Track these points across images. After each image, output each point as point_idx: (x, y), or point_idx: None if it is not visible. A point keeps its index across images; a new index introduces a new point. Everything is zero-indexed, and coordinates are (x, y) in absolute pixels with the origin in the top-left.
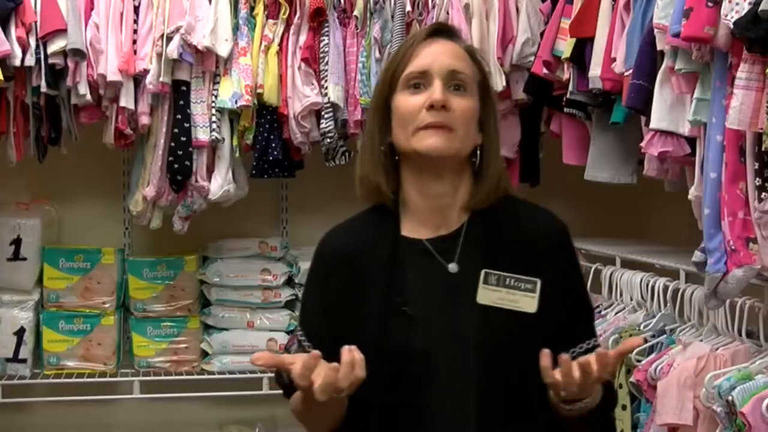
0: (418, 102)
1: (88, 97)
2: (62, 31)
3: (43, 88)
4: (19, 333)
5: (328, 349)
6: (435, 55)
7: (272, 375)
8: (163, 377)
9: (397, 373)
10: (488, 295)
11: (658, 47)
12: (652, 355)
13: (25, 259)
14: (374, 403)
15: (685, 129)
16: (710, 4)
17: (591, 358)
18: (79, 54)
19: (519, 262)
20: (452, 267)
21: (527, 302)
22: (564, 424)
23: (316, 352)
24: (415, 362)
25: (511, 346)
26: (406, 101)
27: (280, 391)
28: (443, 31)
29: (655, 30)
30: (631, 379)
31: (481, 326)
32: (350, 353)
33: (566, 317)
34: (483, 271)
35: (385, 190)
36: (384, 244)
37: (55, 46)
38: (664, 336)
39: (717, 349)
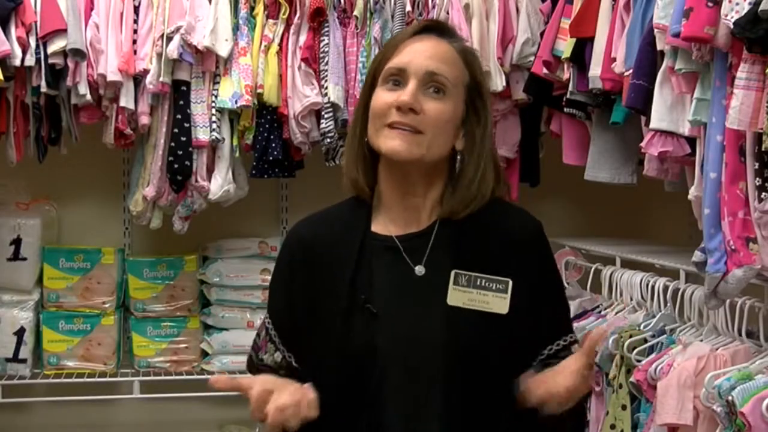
0: (389, 100)
1: (88, 97)
2: (62, 31)
3: (43, 88)
4: (19, 333)
5: (292, 339)
6: (416, 54)
7: None
8: (163, 377)
9: (359, 370)
10: (459, 296)
11: (658, 47)
12: (652, 355)
13: (25, 259)
14: (336, 400)
15: (685, 129)
16: (710, 4)
17: (567, 371)
18: (79, 54)
19: (490, 262)
20: (419, 270)
21: (499, 303)
22: (529, 425)
23: (266, 387)
24: (377, 360)
25: (478, 348)
26: (379, 97)
27: None
28: (434, 28)
29: (655, 30)
30: (631, 379)
31: (448, 327)
32: (302, 392)
33: (540, 316)
34: (453, 272)
35: (361, 184)
36: (353, 238)
37: (55, 46)
38: (664, 336)
39: (717, 349)
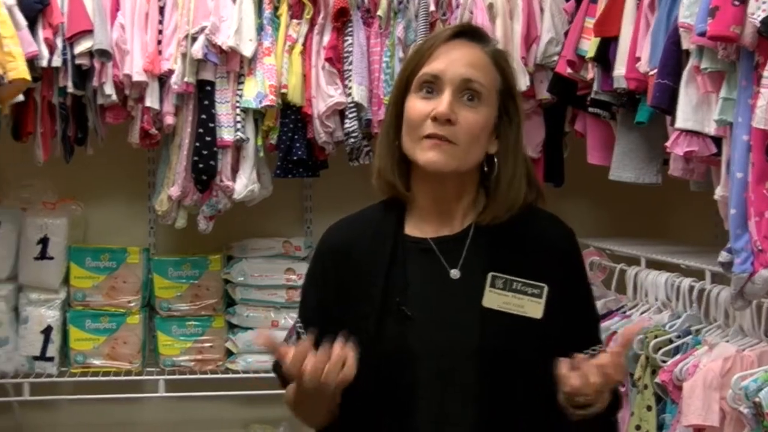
0: (425, 109)
1: (114, 97)
2: (89, 32)
3: (70, 89)
4: (46, 331)
5: (325, 344)
6: (451, 61)
7: None
8: (187, 376)
9: (392, 373)
10: (494, 299)
11: (684, 46)
12: (678, 356)
13: (52, 258)
14: (367, 402)
15: (711, 129)
16: (736, 2)
17: (604, 359)
18: (105, 54)
19: (524, 267)
20: (454, 273)
21: (533, 308)
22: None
23: (307, 342)
24: (410, 363)
25: (512, 352)
26: (414, 106)
27: None
28: (467, 32)
29: (681, 29)
30: (657, 379)
31: (482, 331)
32: (342, 350)
33: (571, 324)
34: (490, 275)
35: (399, 187)
36: (386, 241)
37: (81, 46)
38: (690, 337)
39: (743, 350)
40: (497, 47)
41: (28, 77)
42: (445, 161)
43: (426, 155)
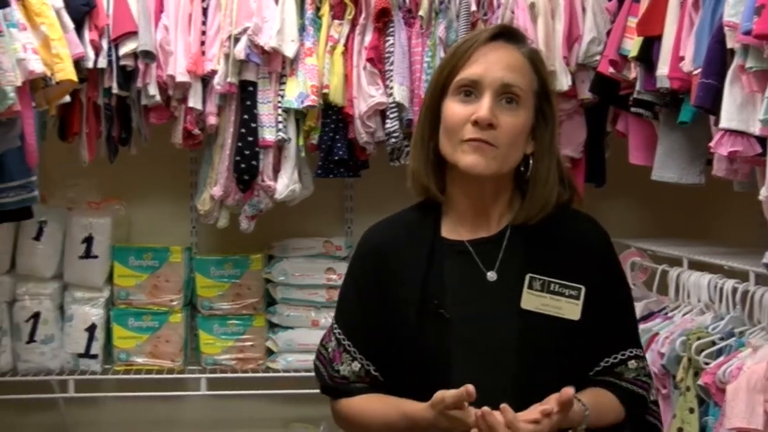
0: (465, 114)
1: (158, 98)
2: (133, 34)
3: (115, 90)
4: (91, 329)
5: (369, 348)
6: (489, 65)
7: None
8: (229, 375)
9: (430, 374)
10: (532, 300)
11: (728, 45)
12: (721, 358)
13: (96, 257)
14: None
15: (756, 128)
16: None
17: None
18: (149, 56)
19: (560, 269)
20: (491, 275)
21: (571, 309)
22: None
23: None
24: (449, 364)
25: (550, 353)
26: (453, 110)
27: None
28: (504, 34)
29: (725, 28)
30: (699, 381)
31: (520, 331)
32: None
33: (607, 326)
34: (528, 276)
35: (433, 190)
36: (423, 243)
37: (126, 48)
38: (733, 338)
39: None
40: (532, 47)
41: (75, 78)
42: (486, 164)
43: (467, 159)
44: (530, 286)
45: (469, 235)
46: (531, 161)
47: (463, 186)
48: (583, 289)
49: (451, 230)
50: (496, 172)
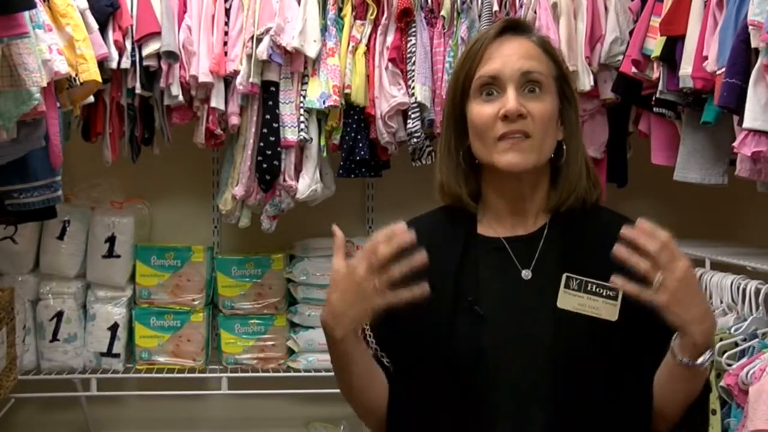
0: (491, 112)
1: (180, 98)
2: (156, 34)
3: (138, 90)
4: (113, 328)
5: (390, 340)
6: (505, 58)
7: None
8: (250, 374)
9: (464, 371)
10: (569, 300)
11: (753, 45)
12: (744, 360)
13: (118, 256)
14: (440, 400)
15: None
16: None
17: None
18: (172, 56)
19: (598, 269)
20: (525, 273)
21: (608, 310)
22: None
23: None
24: (482, 363)
25: (585, 353)
26: (479, 111)
27: None
28: (511, 26)
29: (750, 27)
30: (722, 383)
31: (556, 331)
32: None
33: (648, 327)
34: (564, 275)
35: (465, 198)
36: (458, 240)
37: (149, 48)
38: (756, 340)
39: None
40: (539, 34)
41: (99, 79)
42: (524, 159)
43: (505, 158)
44: (567, 286)
45: (506, 233)
46: (564, 146)
47: (501, 186)
48: (621, 290)
49: (487, 227)
50: (535, 164)
